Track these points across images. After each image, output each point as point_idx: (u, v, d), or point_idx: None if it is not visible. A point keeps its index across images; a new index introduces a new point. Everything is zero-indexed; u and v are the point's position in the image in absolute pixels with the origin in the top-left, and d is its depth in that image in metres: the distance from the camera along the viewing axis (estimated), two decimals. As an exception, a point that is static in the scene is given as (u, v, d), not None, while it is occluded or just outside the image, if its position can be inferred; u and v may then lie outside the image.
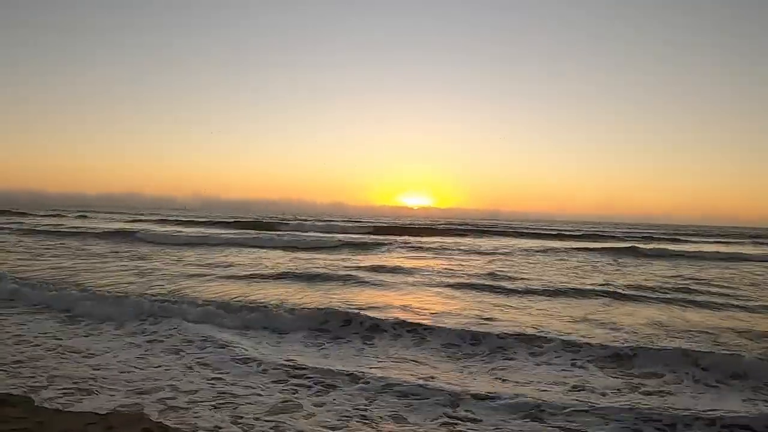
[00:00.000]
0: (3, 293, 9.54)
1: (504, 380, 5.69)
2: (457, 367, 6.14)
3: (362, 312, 8.22)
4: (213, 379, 5.52)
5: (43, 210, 61.92)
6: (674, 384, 5.63)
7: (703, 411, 4.76)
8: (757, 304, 10.54)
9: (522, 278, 13.62)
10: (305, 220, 54.81)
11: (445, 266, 16.43)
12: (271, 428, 4.40)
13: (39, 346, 6.52)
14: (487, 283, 12.47)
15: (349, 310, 8.29)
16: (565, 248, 24.41)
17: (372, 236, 31.76)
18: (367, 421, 4.55)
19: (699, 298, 10.89)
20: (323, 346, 6.98)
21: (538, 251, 22.88)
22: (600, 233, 44.05)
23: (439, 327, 7.54)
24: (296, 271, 13.83)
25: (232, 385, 5.36)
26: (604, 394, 5.25)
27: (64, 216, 49.62)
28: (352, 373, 5.64)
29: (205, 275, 12.74)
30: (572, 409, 4.79)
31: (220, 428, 4.34)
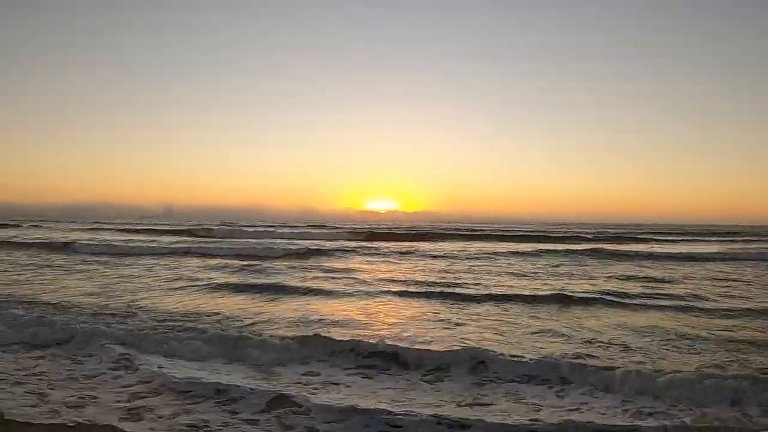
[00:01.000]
0: None
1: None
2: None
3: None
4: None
5: (3, 220, 59.27)
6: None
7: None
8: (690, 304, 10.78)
9: (470, 284, 13.63)
10: (270, 227, 54.44)
11: (388, 271, 16.40)
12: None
13: None
14: (423, 290, 12.40)
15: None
16: (525, 250, 24.57)
17: (331, 242, 31.65)
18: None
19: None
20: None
21: (500, 254, 23.09)
22: (566, 234, 44.73)
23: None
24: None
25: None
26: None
27: (18, 227, 47.78)
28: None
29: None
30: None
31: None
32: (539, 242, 33.46)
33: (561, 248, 25.52)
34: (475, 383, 5.77)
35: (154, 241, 30.52)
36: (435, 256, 22.43)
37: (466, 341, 7.41)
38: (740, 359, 6.71)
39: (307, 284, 13.13)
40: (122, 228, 46.16)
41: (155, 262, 19.19)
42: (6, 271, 15.65)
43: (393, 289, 12.36)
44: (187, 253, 22.92)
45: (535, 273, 16.48)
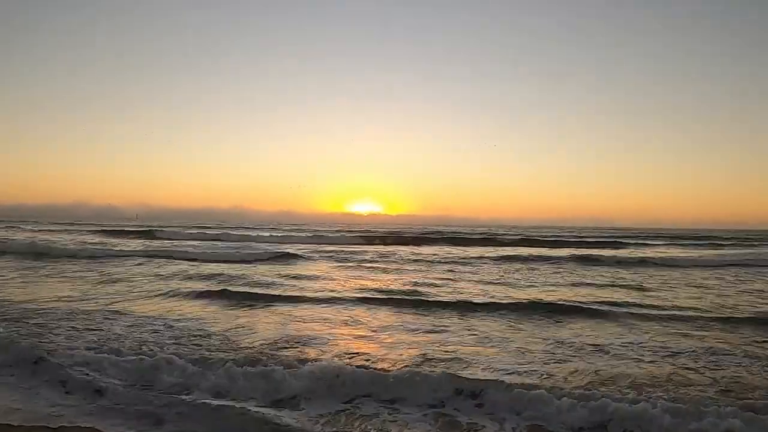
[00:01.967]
0: None
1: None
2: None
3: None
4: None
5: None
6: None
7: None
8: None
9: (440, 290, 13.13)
10: (250, 228, 53.89)
11: (332, 280, 15.35)
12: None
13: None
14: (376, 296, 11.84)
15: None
16: (499, 256, 23.90)
17: (302, 246, 30.47)
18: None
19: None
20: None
21: (471, 259, 22.73)
22: (542, 237, 44.90)
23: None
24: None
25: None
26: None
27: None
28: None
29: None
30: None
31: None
32: (525, 247, 33.43)
33: (540, 254, 25.45)
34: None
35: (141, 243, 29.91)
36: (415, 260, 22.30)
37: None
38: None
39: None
40: (110, 230, 45.08)
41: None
42: None
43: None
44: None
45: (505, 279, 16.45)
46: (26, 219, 65.94)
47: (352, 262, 21.41)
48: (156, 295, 11.57)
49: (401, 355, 6.90)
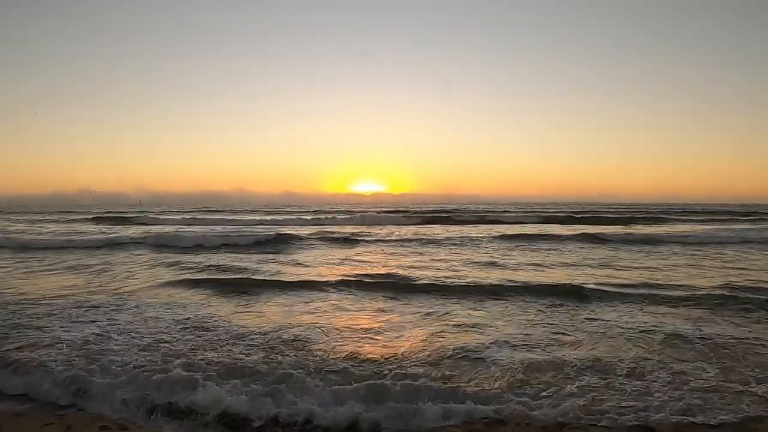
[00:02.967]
0: None
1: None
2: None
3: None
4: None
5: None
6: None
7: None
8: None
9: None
10: (252, 211, 53.57)
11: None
12: None
13: None
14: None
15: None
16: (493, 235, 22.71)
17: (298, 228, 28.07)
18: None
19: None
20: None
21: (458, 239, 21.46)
22: (543, 213, 43.93)
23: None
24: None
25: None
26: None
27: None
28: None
29: None
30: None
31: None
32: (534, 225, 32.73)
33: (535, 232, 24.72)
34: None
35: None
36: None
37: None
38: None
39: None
40: (110, 217, 42.17)
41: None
42: None
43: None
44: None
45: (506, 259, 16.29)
46: (29, 210, 63.58)
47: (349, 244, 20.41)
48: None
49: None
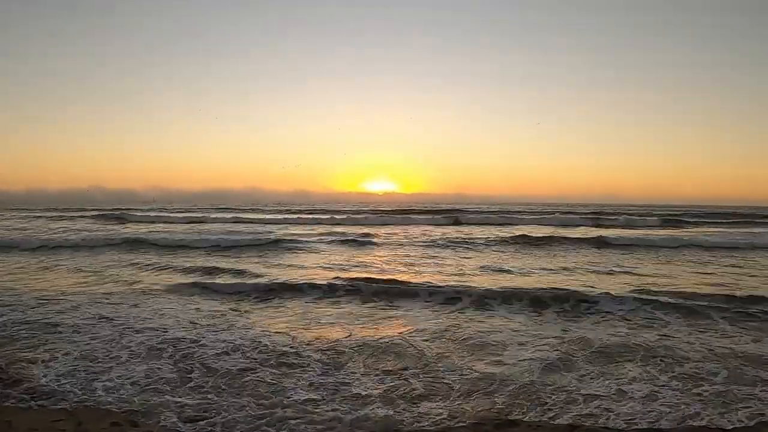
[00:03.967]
0: None
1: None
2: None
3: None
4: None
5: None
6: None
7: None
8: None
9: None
10: (264, 208, 53.51)
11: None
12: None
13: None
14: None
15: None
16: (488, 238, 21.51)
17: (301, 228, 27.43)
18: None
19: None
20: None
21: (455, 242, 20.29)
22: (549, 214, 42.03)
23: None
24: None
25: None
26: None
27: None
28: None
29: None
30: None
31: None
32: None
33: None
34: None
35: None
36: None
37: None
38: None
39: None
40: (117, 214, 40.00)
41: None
42: None
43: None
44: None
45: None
46: (40, 206, 62.43)
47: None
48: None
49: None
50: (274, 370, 5.48)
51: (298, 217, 37.18)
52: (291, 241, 19.50)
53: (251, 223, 31.97)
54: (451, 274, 12.17)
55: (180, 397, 4.80)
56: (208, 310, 8.38)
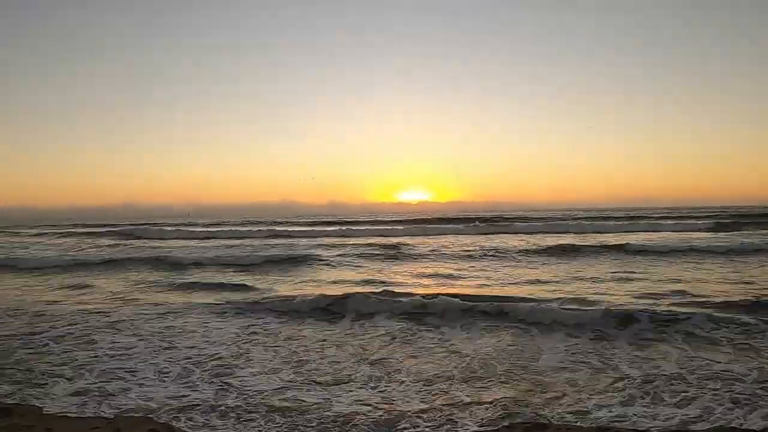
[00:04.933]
0: None
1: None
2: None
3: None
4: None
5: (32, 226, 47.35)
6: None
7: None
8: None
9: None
10: (297, 220, 52.46)
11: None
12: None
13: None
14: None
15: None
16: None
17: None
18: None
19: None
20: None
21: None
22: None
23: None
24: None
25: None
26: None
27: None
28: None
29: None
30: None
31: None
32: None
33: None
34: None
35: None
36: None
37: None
38: None
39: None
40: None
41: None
42: None
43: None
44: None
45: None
46: (73, 221, 59.18)
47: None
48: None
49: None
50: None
51: (346, 229, 34.32)
52: (326, 258, 18.10)
53: (288, 237, 30.12)
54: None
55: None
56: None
